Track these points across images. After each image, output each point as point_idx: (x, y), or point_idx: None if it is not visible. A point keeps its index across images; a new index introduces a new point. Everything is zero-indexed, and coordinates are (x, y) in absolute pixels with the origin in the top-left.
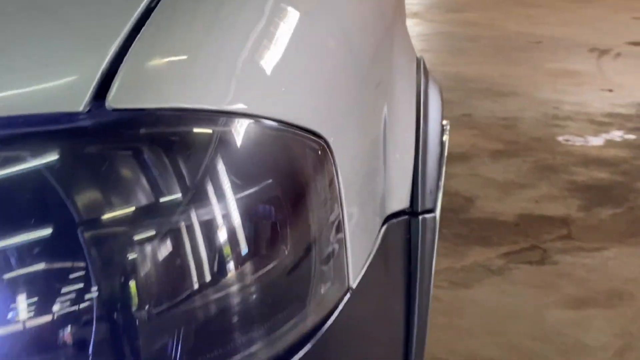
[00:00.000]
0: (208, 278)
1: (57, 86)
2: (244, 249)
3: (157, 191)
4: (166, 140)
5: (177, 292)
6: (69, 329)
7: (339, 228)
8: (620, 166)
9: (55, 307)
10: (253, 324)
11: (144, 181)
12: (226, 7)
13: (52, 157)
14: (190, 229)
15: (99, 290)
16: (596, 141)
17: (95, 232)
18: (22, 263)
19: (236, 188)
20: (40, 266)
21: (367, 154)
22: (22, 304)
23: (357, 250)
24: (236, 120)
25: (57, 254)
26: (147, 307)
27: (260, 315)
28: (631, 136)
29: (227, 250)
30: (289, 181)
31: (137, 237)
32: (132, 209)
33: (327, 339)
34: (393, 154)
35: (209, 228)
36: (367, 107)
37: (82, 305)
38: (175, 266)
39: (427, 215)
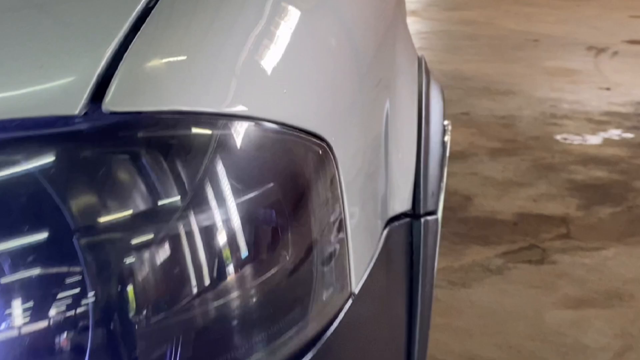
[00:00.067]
0: (209, 284)
1: (52, 88)
2: (244, 255)
3: (156, 197)
4: (165, 145)
5: (176, 299)
6: (66, 335)
7: (341, 233)
8: (618, 165)
9: (51, 314)
10: (254, 332)
11: (142, 187)
12: (226, 7)
13: (47, 162)
14: (190, 235)
15: (95, 297)
16: (594, 140)
17: (91, 240)
18: (15, 270)
19: (236, 193)
20: (34, 274)
21: (369, 155)
22: (16, 310)
23: (359, 255)
24: (236, 123)
25: (51, 263)
26: (145, 314)
27: (261, 322)
28: (629, 135)
29: (227, 256)
30: (291, 185)
31: (136, 244)
32: (131, 215)
33: (329, 347)
34: (395, 155)
35: (209, 234)
36: (368, 108)
37: (78, 312)
38: (175, 273)
39: (429, 218)
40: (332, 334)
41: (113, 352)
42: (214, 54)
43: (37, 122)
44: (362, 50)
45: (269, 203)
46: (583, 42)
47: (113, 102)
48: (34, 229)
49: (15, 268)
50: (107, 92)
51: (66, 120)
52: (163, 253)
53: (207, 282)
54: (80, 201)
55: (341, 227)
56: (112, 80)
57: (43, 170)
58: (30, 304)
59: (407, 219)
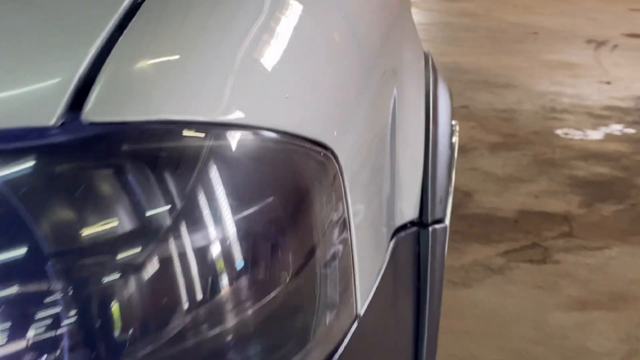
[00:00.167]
0: (203, 310)
1: (24, 96)
2: (242, 278)
3: (142, 218)
4: (153, 159)
5: (166, 326)
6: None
7: (347, 250)
8: (620, 161)
9: (27, 340)
10: None
11: (127, 207)
12: (222, 3)
13: (19, 179)
14: (183, 256)
15: (70, 327)
16: (595, 135)
17: (66, 265)
18: None
19: (233, 210)
20: (8, 295)
21: (375, 163)
22: None
23: (365, 273)
24: (232, 133)
25: (20, 287)
26: (131, 344)
27: (259, 350)
28: (631, 130)
29: (223, 280)
30: (292, 201)
31: (119, 272)
32: (114, 239)
33: None
34: (402, 160)
35: (204, 256)
36: (374, 112)
37: (53, 341)
38: (164, 300)
39: (437, 226)
40: None
41: None
42: (209, 55)
43: (6, 134)
44: (368, 49)
45: (268, 221)
46: (583, 35)
47: (94, 111)
48: (4, 251)
49: None
50: (87, 101)
51: (40, 132)
52: (152, 280)
53: (201, 307)
54: (56, 223)
55: (346, 245)
56: (93, 86)
57: (14, 188)
58: (6, 325)
59: (415, 228)
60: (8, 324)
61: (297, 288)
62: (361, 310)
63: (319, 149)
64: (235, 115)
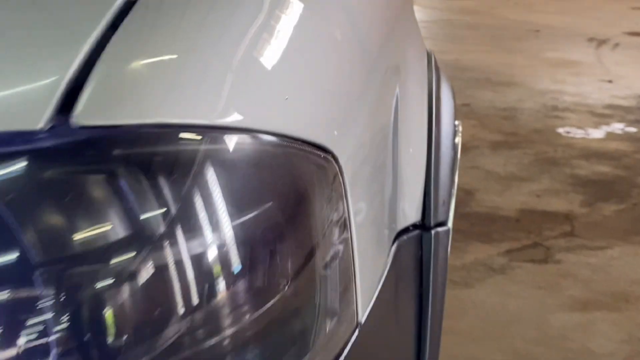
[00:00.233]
0: (200, 317)
1: (12, 98)
2: (240, 285)
3: (136, 225)
4: (147, 164)
5: (161, 336)
6: None
7: (347, 257)
8: (622, 160)
9: (18, 348)
10: None
11: (119, 214)
12: (220, 2)
13: (6, 184)
14: (178, 266)
15: (65, 329)
16: (597, 134)
17: (54, 274)
18: None
19: (230, 216)
20: None
21: (377, 164)
22: None
23: (366, 279)
24: (231, 136)
25: (13, 295)
26: (127, 350)
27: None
28: (632, 129)
29: (221, 287)
30: (292, 207)
31: (112, 282)
32: (105, 247)
33: None
34: (404, 162)
35: (200, 264)
36: (376, 112)
37: (44, 352)
38: (161, 307)
39: (440, 229)
40: None
41: None
42: (206, 55)
43: None
44: (368, 43)
45: (266, 228)
46: (584, 33)
47: (84, 114)
48: None
49: None
50: (77, 103)
51: (28, 135)
52: (142, 291)
53: (198, 316)
54: (45, 230)
55: (347, 252)
56: (84, 88)
57: (0, 194)
58: None
59: (417, 231)
60: None
61: (296, 296)
62: (362, 318)
63: (319, 151)
64: (233, 118)
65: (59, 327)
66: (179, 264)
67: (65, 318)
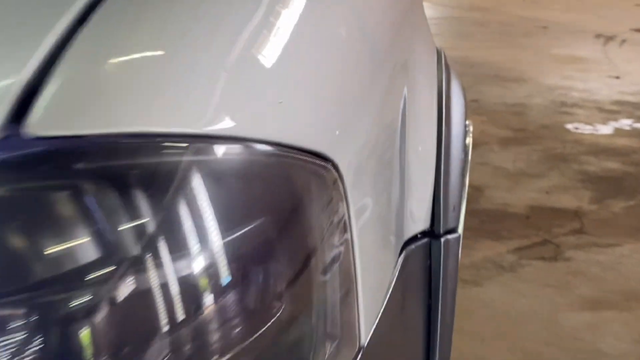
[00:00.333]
0: (189, 345)
1: None
2: (230, 311)
3: (103, 252)
4: (113, 180)
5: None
6: None
7: (349, 275)
8: (630, 156)
9: None
10: None
11: (83, 238)
12: None
13: None
14: (156, 296)
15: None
16: (605, 130)
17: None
18: None
19: (217, 238)
20: None
21: (382, 170)
22: None
23: (371, 296)
24: (218, 147)
25: None
26: None
27: None
28: None
29: (211, 310)
30: (287, 223)
31: (75, 314)
32: (67, 276)
33: None
34: (412, 166)
35: (181, 295)
36: (382, 114)
37: None
38: (142, 342)
39: (450, 236)
40: None
41: None
42: (192, 54)
43: None
44: (375, 40)
45: (259, 250)
46: (591, 29)
47: (40, 123)
48: None
49: None
50: (31, 110)
51: None
52: (111, 324)
53: (186, 343)
54: None
55: (348, 270)
56: (40, 92)
57: None
58: None
59: (426, 239)
60: None
61: (290, 321)
62: (365, 340)
63: (316, 160)
64: (222, 126)
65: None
66: (154, 294)
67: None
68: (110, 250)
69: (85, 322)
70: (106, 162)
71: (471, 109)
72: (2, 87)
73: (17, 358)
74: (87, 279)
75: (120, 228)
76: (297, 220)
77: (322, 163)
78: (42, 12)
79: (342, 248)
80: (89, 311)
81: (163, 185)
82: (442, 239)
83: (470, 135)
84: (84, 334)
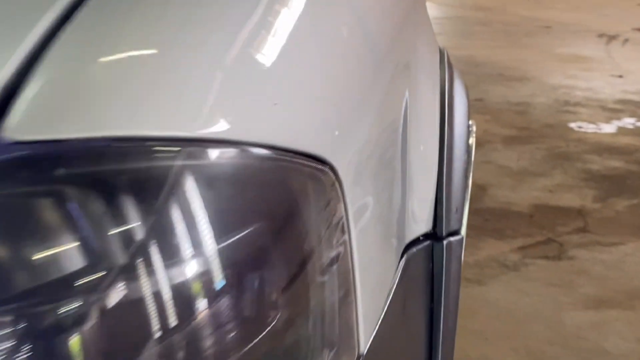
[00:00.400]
0: (184, 355)
1: None
2: (224, 322)
3: (88, 259)
4: (103, 188)
5: None
6: None
7: (348, 281)
8: (633, 155)
9: None
10: None
11: (65, 246)
12: None
13: None
14: (155, 298)
15: None
16: (608, 128)
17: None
18: None
19: (214, 242)
20: None
21: (383, 172)
22: None
23: (370, 303)
24: (211, 151)
25: None
26: None
27: None
28: None
29: (205, 320)
30: (283, 228)
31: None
32: (51, 285)
33: None
34: (414, 167)
35: (168, 310)
36: (383, 114)
37: None
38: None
39: (453, 239)
40: None
41: None
42: (182, 53)
43: None
44: (376, 39)
45: (255, 255)
46: (594, 29)
47: (19, 127)
48: None
49: None
50: (10, 113)
51: None
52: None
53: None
54: None
55: (347, 275)
56: (19, 94)
57: None
58: None
59: (428, 242)
60: None
61: (287, 328)
62: (365, 348)
63: (313, 163)
64: (215, 129)
65: None
66: (141, 308)
67: None
68: (92, 261)
69: (68, 334)
70: (90, 167)
71: (475, 108)
72: None
73: None
74: (66, 290)
75: (106, 237)
76: (292, 226)
77: (319, 166)
78: (23, 9)
79: (340, 253)
80: (71, 324)
81: (152, 192)
82: (445, 242)
83: (474, 135)
84: (68, 347)
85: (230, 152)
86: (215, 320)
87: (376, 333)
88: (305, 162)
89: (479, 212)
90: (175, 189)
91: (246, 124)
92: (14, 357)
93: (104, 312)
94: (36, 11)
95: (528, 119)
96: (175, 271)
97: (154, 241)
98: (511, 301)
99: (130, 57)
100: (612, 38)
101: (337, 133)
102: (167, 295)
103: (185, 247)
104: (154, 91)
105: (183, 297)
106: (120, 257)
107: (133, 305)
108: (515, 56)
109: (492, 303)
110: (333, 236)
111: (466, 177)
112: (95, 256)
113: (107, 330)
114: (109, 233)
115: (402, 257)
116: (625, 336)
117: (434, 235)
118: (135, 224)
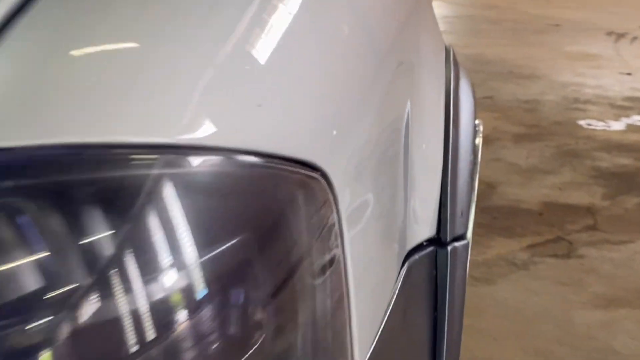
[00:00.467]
0: None
1: None
2: (209, 336)
3: (43, 277)
4: (50, 200)
5: None
6: None
7: (340, 293)
8: None
9: None
10: None
11: (32, 262)
12: None
13: None
14: (132, 313)
15: None
16: (617, 126)
17: None
18: None
19: (196, 255)
20: None
21: (384, 176)
22: None
23: (367, 314)
24: (192, 158)
25: None
26: None
27: None
28: None
29: (187, 340)
30: (270, 240)
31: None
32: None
33: None
34: (417, 169)
35: (161, 311)
36: (384, 115)
37: None
38: None
39: (458, 244)
40: None
41: None
42: (158, 50)
43: None
44: (377, 36)
45: (240, 267)
46: (602, 27)
47: None
48: None
49: None
50: None
51: None
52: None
53: None
54: None
55: (339, 284)
56: None
57: None
58: None
59: (431, 248)
60: None
61: (274, 344)
62: None
63: (303, 170)
64: (196, 135)
65: None
66: (137, 315)
67: None
68: (46, 281)
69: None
70: (41, 178)
71: (485, 106)
72: None
73: None
74: (27, 310)
75: (66, 254)
76: (278, 237)
77: (310, 172)
78: None
79: (331, 262)
80: (37, 344)
81: (122, 206)
82: (449, 247)
83: (480, 135)
84: None
85: (216, 159)
86: (198, 337)
87: (376, 344)
88: (294, 169)
89: (488, 210)
90: (149, 202)
91: (229, 128)
92: None
93: (71, 334)
94: None
95: (537, 117)
96: (154, 287)
97: (122, 259)
98: (520, 300)
99: (97, 53)
100: (620, 36)
101: (330, 138)
102: (145, 314)
103: (165, 262)
104: (126, 93)
105: (163, 313)
106: (79, 277)
107: (101, 332)
108: (524, 54)
109: (500, 302)
110: (323, 246)
111: (472, 179)
112: (48, 276)
113: (77, 349)
114: (70, 250)
115: (403, 263)
116: (634, 335)
117: (437, 241)
118: (102, 241)
